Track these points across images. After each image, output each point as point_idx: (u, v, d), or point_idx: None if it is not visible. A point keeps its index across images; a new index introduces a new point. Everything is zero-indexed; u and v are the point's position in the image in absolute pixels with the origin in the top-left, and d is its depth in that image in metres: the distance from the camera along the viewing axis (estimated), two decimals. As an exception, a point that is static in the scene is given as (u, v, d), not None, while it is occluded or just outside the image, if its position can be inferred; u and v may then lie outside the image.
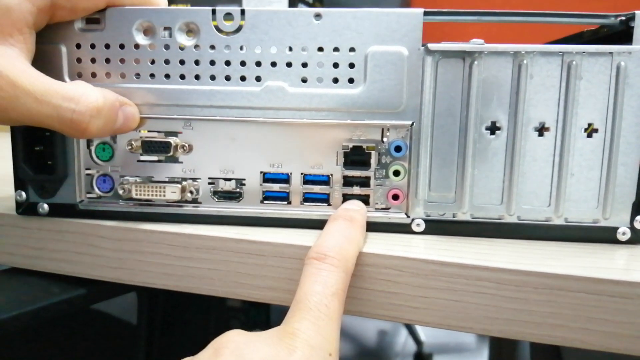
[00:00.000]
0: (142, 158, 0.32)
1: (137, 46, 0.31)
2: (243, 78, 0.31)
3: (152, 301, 0.54)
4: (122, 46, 0.31)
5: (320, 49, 0.30)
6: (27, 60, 0.28)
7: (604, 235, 0.31)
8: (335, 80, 0.31)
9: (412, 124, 0.31)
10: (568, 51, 0.29)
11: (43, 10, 0.28)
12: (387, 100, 0.30)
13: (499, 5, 0.30)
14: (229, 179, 0.32)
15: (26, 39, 0.28)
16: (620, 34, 0.30)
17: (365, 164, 0.31)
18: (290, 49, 0.30)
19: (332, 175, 0.32)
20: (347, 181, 0.32)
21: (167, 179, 0.33)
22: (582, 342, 0.27)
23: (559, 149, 0.30)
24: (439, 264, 0.28)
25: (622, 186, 0.30)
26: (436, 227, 0.31)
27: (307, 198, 0.32)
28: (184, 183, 0.32)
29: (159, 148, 0.32)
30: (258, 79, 0.31)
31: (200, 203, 0.33)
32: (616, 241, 0.31)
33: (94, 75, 0.31)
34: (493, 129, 0.30)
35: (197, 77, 0.31)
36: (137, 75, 0.31)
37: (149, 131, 0.32)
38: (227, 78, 0.31)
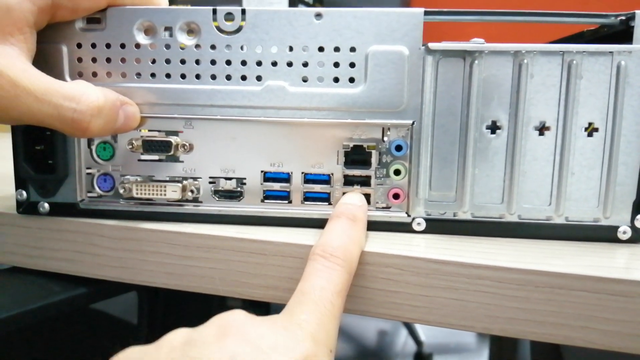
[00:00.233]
0: (143, 157, 0.32)
1: (138, 46, 0.31)
2: (244, 77, 0.31)
3: (153, 301, 0.54)
4: (123, 46, 0.31)
5: (321, 49, 0.30)
6: (28, 60, 0.28)
7: (605, 234, 0.31)
8: (336, 80, 0.31)
9: (413, 123, 0.31)
10: (568, 50, 0.29)
11: (44, 10, 0.28)
12: (388, 100, 0.30)
13: (499, 5, 0.30)
14: (230, 178, 0.32)
15: (27, 38, 0.28)
16: (620, 34, 0.30)
17: (366, 163, 0.32)
18: (291, 48, 0.30)
19: (332, 174, 0.32)
20: (348, 180, 0.32)
21: (167, 178, 0.33)
22: (583, 341, 0.27)
23: (559, 148, 0.30)
24: (439, 262, 0.28)
25: (622, 185, 0.30)
26: (437, 226, 0.32)
27: (308, 197, 0.32)
28: (185, 182, 0.32)
29: (160, 147, 0.32)
30: (259, 78, 0.31)
31: (201, 202, 0.33)
32: (617, 240, 0.31)
33: (94, 74, 0.31)
34: (494, 128, 0.30)
35: (197, 76, 0.31)
36: (138, 74, 0.31)
37: (149, 130, 0.32)
38: (228, 77, 0.31)
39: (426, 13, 0.30)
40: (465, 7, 0.31)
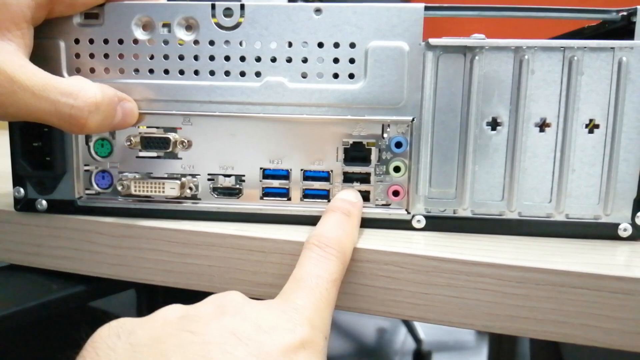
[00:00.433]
0: (141, 154, 0.32)
1: (136, 41, 0.31)
2: (243, 73, 0.31)
3: (151, 298, 0.54)
4: (120, 41, 0.31)
5: (321, 45, 0.30)
6: (25, 56, 0.28)
7: (605, 232, 0.31)
8: (336, 76, 0.30)
9: (413, 119, 0.30)
10: (569, 46, 0.29)
11: (41, 5, 0.28)
12: (388, 96, 0.30)
13: (500, 0, 0.30)
14: (229, 175, 0.32)
15: (24, 34, 0.28)
16: (621, 29, 0.30)
17: (366, 160, 0.31)
18: (290, 44, 0.30)
19: (332, 171, 0.32)
20: (347, 177, 0.32)
21: (166, 175, 0.32)
22: (583, 339, 0.27)
23: (560, 145, 0.30)
24: (439, 260, 0.28)
25: (623, 182, 0.30)
26: (437, 223, 0.31)
27: (307, 194, 0.32)
28: (183, 179, 0.32)
29: (158, 144, 0.32)
30: (258, 74, 0.31)
31: (199, 199, 0.33)
32: (617, 237, 0.30)
33: (92, 70, 0.31)
34: (494, 124, 0.30)
35: (196, 72, 0.31)
36: (136, 70, 0.31)
37: (148, 127, 0.32)
38: (227, 73, 0.31)
39: (426, 8, 0.29)
40: (465, 2, 0.31)
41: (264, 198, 0.32)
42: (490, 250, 0.28)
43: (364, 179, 0.32)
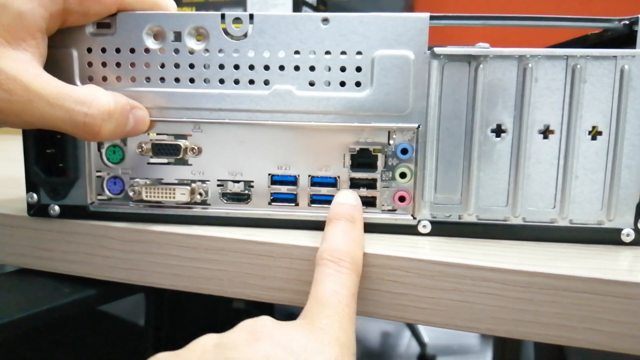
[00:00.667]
0: (152, 160, 0.33)
1: (147, 50, 0.31)
2: (251, 82, 0.31)
3: (160, 302, 0.54)
4: (132, 50, 0.31)
5: (328, 53, 0.31)
6: (40, 65, 0.28)
7: (608, 237, 0.31)
8: (343, 84, 0.31)
9: (419, 126, 0.31)
10: (572, 55, 0.29)
11: (55, 16, 0.29)
12: (394, 104, 0.31)
13: (502, 9, 0.31)
14: (238, 181, 0.33)
15: (39, 43, 0.28)
16: (624, 38, 0.31)
17: (372, 166, 0.32)
18: (298, 52, 0.31)
19: (339, 177, 0.32)
20: (354, 183, 0.32)
21: (176, 181, 0.33)
22: (587, 343, 0.27)
23: (563, 152, 0.30)
24: (445, 264, 0.28)
25: (626, 188, 0.30)
26: (442, 228, 0.32)
27: (315, 200, 0.33)
28: (193, 185, 0.33)
29: (169, 150, 0.32)
30: (266, 82, 0.31)
31: (209, 205, 0.33)
32: (620, 242, 0.31)
33: (104, 79, 0.32)
34: (498, 131, 0.31)
35: (206, 80, 0.31)
36: (147, 79, 0.32)
37: (158, 134, 0.32)
38: (236, 82, 0.31)
39: (432, 18, 0.30)
40: (468, 10, 0.31)
41: (272, 203, 0.33)
42: (495, 255, 0.29)
43: (371, 184, 0.32)
